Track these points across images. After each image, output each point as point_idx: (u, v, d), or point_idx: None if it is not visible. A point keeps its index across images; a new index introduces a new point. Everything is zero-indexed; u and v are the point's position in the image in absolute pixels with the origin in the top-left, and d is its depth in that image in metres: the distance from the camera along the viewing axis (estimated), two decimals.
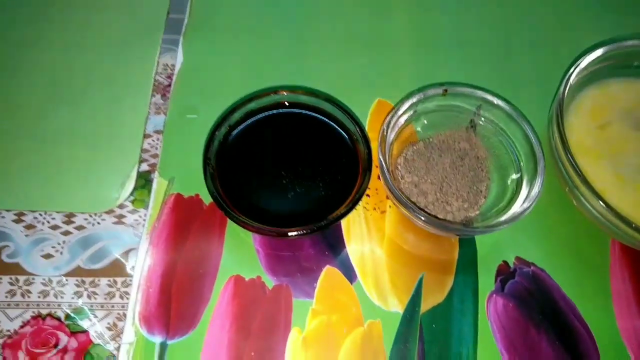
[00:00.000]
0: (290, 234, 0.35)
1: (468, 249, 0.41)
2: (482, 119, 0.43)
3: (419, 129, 0.44)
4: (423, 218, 0.37)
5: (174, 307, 0.38)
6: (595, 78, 0.43)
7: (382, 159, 0.38)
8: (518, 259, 0.41)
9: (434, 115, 0.44)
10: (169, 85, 0.48)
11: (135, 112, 0.46)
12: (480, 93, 0.42)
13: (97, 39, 0.50)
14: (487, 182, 0.42)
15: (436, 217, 0.37)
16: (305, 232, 0.35)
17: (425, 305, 0.39)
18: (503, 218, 0.37)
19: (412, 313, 0.39)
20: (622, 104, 0.42)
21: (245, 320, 0.38)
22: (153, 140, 0.45)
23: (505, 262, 0.41)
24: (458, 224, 0.38)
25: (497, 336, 0.38)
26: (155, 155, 0.45)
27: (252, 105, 0.41)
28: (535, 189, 0.37)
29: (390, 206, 0.42)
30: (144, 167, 0.44)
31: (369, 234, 0.42)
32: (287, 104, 0.42)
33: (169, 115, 0.46)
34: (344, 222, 0.42)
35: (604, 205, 0.34)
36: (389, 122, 0.40)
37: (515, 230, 0.42)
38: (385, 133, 0.39)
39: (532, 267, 0.41)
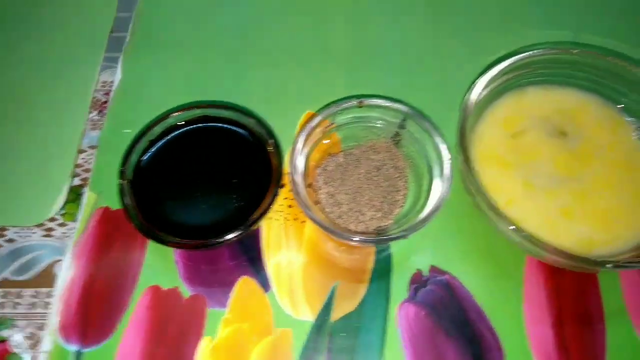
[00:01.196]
0: (208, 244, 0.36)
1: (383, 257, 0.42)
2: (405, 130, 0.43)
3: (343, 140, 0.45)
4: (323, 226, 0.37)
5: (91, 317, 0.40)
6: (511, 86, 0.43)
7: (291, 171, 0.39)
8: (433, 267, 0.42)
9: (357, 126, 0.45)
10: (107, 102, 0.50)
11: (72, 127, 0.48)
12: (397, 105, 0.42)
13: (40, 56, 0.52)
14: (405, 192, 0.43)
15: (330, 226, 0.37)
16: (197, 245, 0.36)
17: (337, 314, 0.40)
18: (405, 227, 0.38)
19: (322, 321, 0.40)
20: (538, 112, 0.43)
21: (159, 329, 0.39)
22: (87, 155, 0.47)
23: (420, 271, 0.41)
24: (353, 233, 0.38)
25: (405, 344, 0.39)
26: (88, 170, 0.46)
27: (172, 120, 0.43)
28: (435, 200, 0.38)
29: None
30: (76, 181, 0.46)
31: (288, 244, 0.43)
32: (208, 117, 0.43)
33: (103, 130, 0.48)
34: (263, 233, 0.43)
35: (502, 220, 0.35)
36: (301, 135, 0.41)
37: (431, 239, 0.43)
38: (296, 145, 0.40)
39: (446, 276, 0.41)
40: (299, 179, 0.39)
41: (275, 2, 0.56)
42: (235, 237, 0.38)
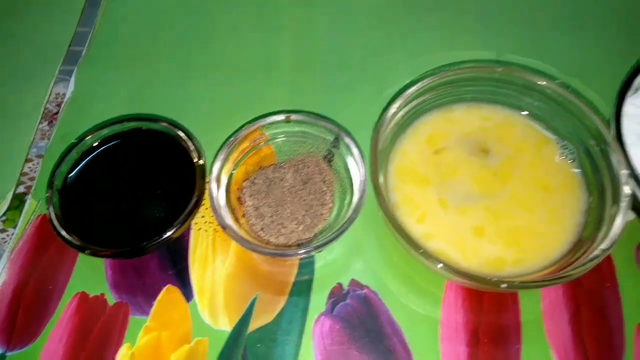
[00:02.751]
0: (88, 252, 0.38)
1: (306, 270, 0.43)
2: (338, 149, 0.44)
3: (278, 153, 0.46)
4: (235, 237, 0.38)
5: (19, 321, 0.41)
6: (438, 104, 0.44)
7: (211, 184, 0.40)
8: (353, 281, 0.42)
9: (292, 141, 0.46)
10: (57, 113, 0.52)
11: (22, 137, 0.50)
12: (322, 122, 0.43)
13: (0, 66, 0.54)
14: (330, 206, 0.43)
15: (240, 237, 0.38)
16: (112, 253, 0.38)
17: (254, 325, 0.41)
18: (319, 242, 0.38)
19: (239, 332, 0.40)
20: (462, 129, 0.43)
21: (82, 335, 0.41)
22: (34, 164, 0.49)
23: (340, 284, 0.42)
24: (264, 244, 0.39)
25: (318, 357, 0.39)
26: (32, 178, 0.48)
27: (106, 132, 0.44)
28: (349, 212, 0.38)
29: None
30: (21, 189, 0.48)
31: (214, 254, 0.44)
32: (141, 130, 0.45)
33: (51, 140, 0.50)
34: (192, 244, 0.44)
35: (401, 238, 0.35)
36: (223, 149, 0.42)
37: (354, 253, 0.43)
38: (217, 159, 0.41)
39: (365, 290, 0.42)
40: (215, 191, 0.40)
41: (225, 20, 0.57)
42: (151, 246, 0.39)
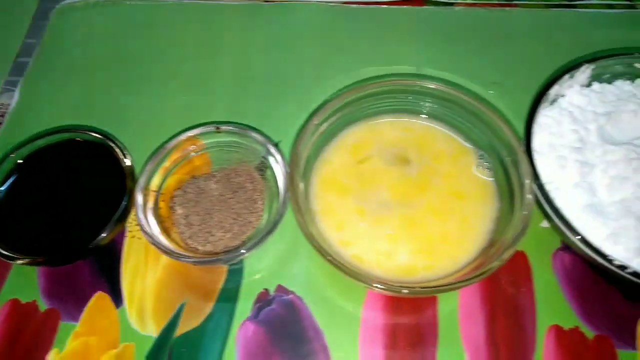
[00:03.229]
0: (19, 261, 0.39)
1: (234, 277, 0.44)
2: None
3: (213, 162, 0.47)
4: (152, 242, 0.39)
5: None
6: (364, 115, 0.45)
7: (137, 193, 0.42)
8: (280, 287, 0.43)
9: (226, 150, 0.47)
10: (1, 124, 0.53)
11: None
12: (251, 133, 0.45)
13: None
14: (260, 214, 0.44)
15: (160, 244, 0.39)
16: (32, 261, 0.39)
17: (180, 330, 0.42)
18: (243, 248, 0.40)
19: (165, 337, 0.41)
20: (386, 139, 0.44)
21: (11, 341, 0.41)
22: None
23: (267, 290, 0.43)
24: (186, 254, 0.40)
25: None
26: None
27: (40, 142, 0.45)
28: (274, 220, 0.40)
29: None
30: None
31: (146, 261, 0.45)
32: (75, 142, 0.46)
33: None
34: (124, 250, 0.45)
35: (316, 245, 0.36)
36: (152, 160, 0.43)
37: (282, 260, 0.44)
38: (145, 169, 0.43)
39: (291, 295, 0.43)
40: (140, 200, 0.41)
41: (167, 34, 0.59)
42: (79, 253, 0.40)
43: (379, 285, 0.34)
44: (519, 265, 0.44)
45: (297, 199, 0.37)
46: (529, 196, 0.37)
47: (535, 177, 0.39)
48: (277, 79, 0.54)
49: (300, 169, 0.40)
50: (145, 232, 0.40)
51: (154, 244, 0.39)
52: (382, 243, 0.40)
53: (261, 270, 0.44)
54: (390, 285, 0.34)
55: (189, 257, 0.40)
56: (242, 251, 0.39)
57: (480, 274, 0.34)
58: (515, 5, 0.60)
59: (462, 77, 0.53)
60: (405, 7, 0.60)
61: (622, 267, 0.35)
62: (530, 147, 0.40)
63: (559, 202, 0.40)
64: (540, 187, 0.38)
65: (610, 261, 0.35)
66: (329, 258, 0.35)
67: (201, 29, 0.59)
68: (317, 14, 0.60)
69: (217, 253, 0.41)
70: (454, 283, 0.34)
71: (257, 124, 0.49)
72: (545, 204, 0.38)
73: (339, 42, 0.57)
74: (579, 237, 0.36)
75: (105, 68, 0.56)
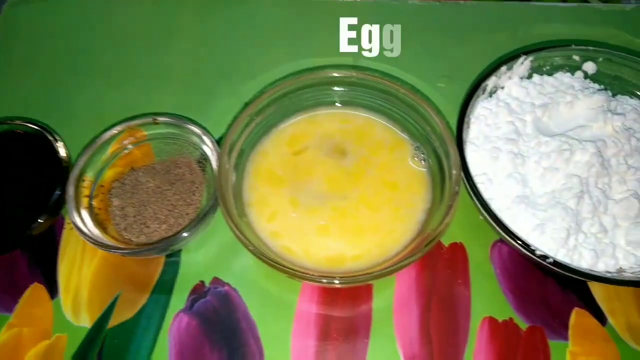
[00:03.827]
0: None
1: (171, 268, 0.44)
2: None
3: (156, 154, 0.47)
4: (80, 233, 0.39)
5: None
6: (302, 107, 0.45)
7: (68, 185, 0.41)
8: (215, 279, 0.43)
9: (167, 142, 0.47)
10: None
11: None
12: (188, 125, 0.44)
13: None
14: (197, 206, 0.44)
15: (89, 237, 0.39)
16: None
17: (114, 321, 0.42)
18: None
19: (98, 328, 0.41)
20: (323, 131, 0.44)
21: None
22: None
23: (202, 282, 0.43)
24: (116, 245, 0.40)
25: (171, 353, 0.40)
26: None
27: None
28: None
29: None
30: None
31: (83, 253, 0.44)
32: (14, 133, 0.46)
33: None
34: (62, 242, 0.45)
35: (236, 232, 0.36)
36: (86, 150, 0.43)
37: (218, 253, 0.44)
38: (79, 159, 0.42)
39: (226, 287, 0.43)
40: (71, 192, 0.41)
41: (118, 28, 0.59)
42: (12, 243, 0.40)
43: (299, 274, 0.34)
44: (456, 257, 0.44)
45: (222, 190, 0.37)
46: (456, 187, 0.37)
47: (465, 168, 0.39)
48: (223, 72, 0.54)
49: (231, 160, 0.40)
50: (73, 223, 0.40)
51: (81, 234, 0.39)
52: (313, 234, 0.40)
53: (198, 262, 0.44)
54: (306, 274, 0.34)
55: (116, 247, 0.40)
56: (169, 242, 0.39)
57: (397, 267, 0.34)
58: None
59: (412, 70, 0.53)
60: (360, 0, 0.60)
61: (544, 257, 0.35)
62: (462, 139, 0.40)
63: (492, 194, 0.40)
64: (469, 178, 0.38)
65: (532, 251, 0.35)
66: (251, 248, 0.35)
67: (150, 22, 0.59)
68: (270, 6, 0.59)
69: (146, 244, 0.41)
70: (363, 275, 0.34)
71: (202, 116, 0.49)
72: (473, 196, 0.38)
73: (292, 34, 0.57)
74: (503, 227, 0.36)
75: (55, 61, 0.56)
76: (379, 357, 0.40)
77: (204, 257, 0.45)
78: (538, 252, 0.35)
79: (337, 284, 0.34)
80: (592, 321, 0.41)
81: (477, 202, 0.38)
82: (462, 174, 0.39)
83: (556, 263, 0.35)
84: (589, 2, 0.59)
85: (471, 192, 0.38)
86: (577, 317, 0.41)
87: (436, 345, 0.40)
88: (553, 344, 0.40)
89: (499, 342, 0.40)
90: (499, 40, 0.53)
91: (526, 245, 0.36)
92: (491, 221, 0.37)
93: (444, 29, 0.57)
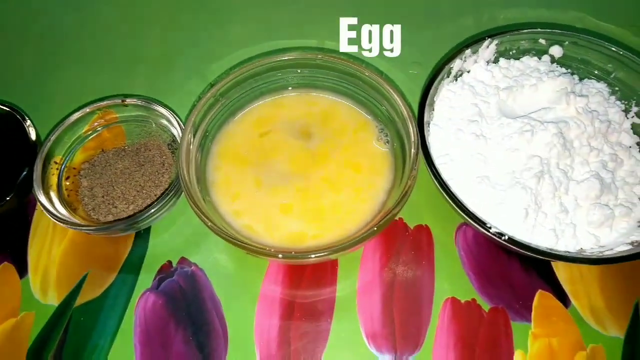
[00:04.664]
0: None
1: (140, 248, 0.44)
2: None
3: (128, 135, 0.48)
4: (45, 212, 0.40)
5: None
6: (270, 90, 0.45)
7: (36, 165, 0.42)
8: (183, 259, 0.44)
9: (139, 124, 0.47)
10: None
11: None
12: (155, 106, 0.45)
13: None
14: (165, 187, 0.45)
15: (54, 215, 0.40)
16: None
17: (81, 300, 0.42)
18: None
19: (65, 306, 0.42)
20: (290, 113, 0.45)
21: None
22: None
23: (170, 262, 0.44)
24: (81, 223, 0.41)
25: (137, 331, 0.41)
26: None
27: None
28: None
29: None
30: None
31: (53, 232, 0.45)
32: None
33: None
34: (33, 222, 0.46)
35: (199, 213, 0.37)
36: (55, 130, 0.44)
37: (187, 233, 0.45)
38: (47, 139, 0.43)
39: (192, 267, 0.43)
40: (38, 171, 0.42)
41: (94, 12, 0.60)
42: None
43: (252, 248, 0.35)
44: (421, 239, 0.44)
45: (183, 169, 0.38)
46: (414, 167, 0.37)
47: (426, 149, 0.39)
48: (193, 55, 0.55)
49: (195, 140, 0.41)
50: (39, 201, 0.40)
51: (46, 212, 0.40)
52: (275, 213, 0.40)
53: (166, 243, 0.45)
54: (260, 249, 0.35)
55: (80, 225, 0.40)
56: (132, 220, 0.40)
57: (347, 245, 0.34)
58: None
59: (383, 56, 0.53)
60: None
61: (500, 235, 0.35)
62: (423, 120, 0.40)
63: (453, 174, 0.40)
64: (428, 158, 0.38)
65: (488, 229, 0.35)
66: (209, 224, 0.35)
67: (124, 7, 0.60)
68: None
69: (110, 222, 0.42)
70: (316, 251, 0.34)
71: (172, 99, 0.49)
72: (432, 175, 0.38)
73: (266, 18, 0.58)
74: (460, 205, 0.36)
75: (27, 45, 0.57)
76: (341, 336, 0.40)
77: (172, 237, 0.45)
78: (493, 230, 0.35)
79: (290, 258, 0.35)
80: (555, 303, 0.41)
81: (435, 181, 0.38)
82: (422, 155, 0.39)
83: (511, 240, 0.35)
84: None
85: (430, 172, 0.38)
86: (541, 299, 0.41)
87: (398, 324, 0.40)
88: (516, 325, 0.40)
89: (461, 323, 0.40)
90: (467, 25, 0.54)
91: (482, 223, 0.36)
92: (448, 199, 0.37)
93: (418, 16, 0.57)
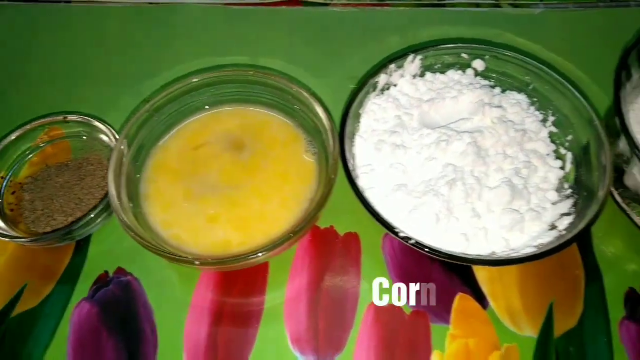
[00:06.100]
0: None
1: (78, 259, 0.46)
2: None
3: (73, 151, 0.49)
4: None
5: None
6: (204, 104, 0.47)
7: None
8: (119, 269, 0.45)
9: (80, 139, 0.49)
10: None
11: None
12: (96, 123, 0.47)
13: None
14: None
15: None
16: None
17: (17, 310, 0.43)
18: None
19: (2, 317, 0.43)
20: (224, 127, 0.47)
21: None
22: None
23: (107, 272, 0.45)
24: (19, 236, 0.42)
25: (70, 339, 0.42)
26: None
27: None
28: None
29: None
30: None
31: None
32: None
33: None
34: None
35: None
36: None
37: (126, 242, 0.46)
38: None
39: (129, 277, 0.45)
40: None
41: (50, 36, 0.62)
42: None
43: (171, 256, 0.36)
44: (350, 246, 0.45)
45: (111, 182, 0.40)
46: (332, 175, 0.39)
47: (344, 159, 0.41)
48: (136, 73, 0.57)
49: (129, 153, 0.43)
50: None
51: None
52: (202, 222, 0.42)
53: (105, 253, 0.46)
54: (179, 256, 0.36)
55: (16, 237, 0.42)
56: (65, 230, 0.41)
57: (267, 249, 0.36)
58: (388, 5, 0.62)
59: (326, 72, 0.55)
60: (284, 7, 0.63)
61: (407, 239, 0.37)
62: (344, 131, 0.42)
63: (374, 183, 0.42)
64: (346, 167, 0.40)
65: (396, 233, 0.37)
66: (131, 234, 0.37)
67: (74, 29, 0.62)
68: (198, 15, 0.62)
69: (45, 233, 0.43)
70: (232, 257, 0.36)
71: (117, 117, 0.51)
72: (348, 183, 0.40)
73: (220, 42, 0.60)
74: (371, 210, 0.38)
75: None
76: (267, 340, 0.41)
77: (111, 248, 0.46)
78: (401, 234, 0.37)
79: (201, 264, 0.36)
80: (474, 305, 0.42)
81: (352, 188, 0.39)
82: (341, 164, 0.41)
83: (418, 244, 0.37)
84: (501, 7, 0.61)
85: (348, 181, 0.40)
86: (460, 301, 0.43)
87: (322, 328, 0.42)
88: (435, 327, 0.42)
89: (382, 326, 0.42)
90: (392, 43, 0.56)
91: (391, 228, 0.37)
92: (362, 206, 0.39)
93: (360, 34, 0.60)
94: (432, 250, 0.36)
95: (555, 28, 0.59)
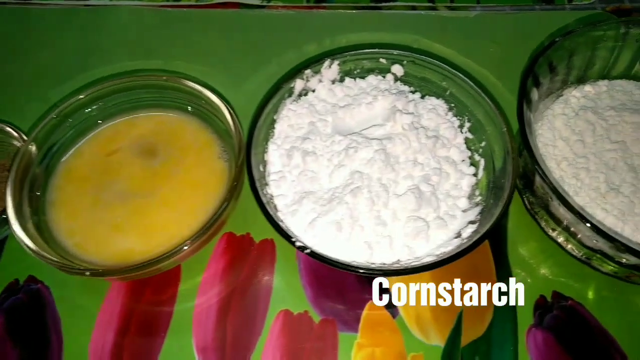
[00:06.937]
0: None
1: None
2: None
3: None
4: None
5: None
6: (123, 109, 0.47)
7: None
8: (30, 277, 0.44)
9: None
10: None
11: None
12: (5, 126, 0.46)
13: None
14: None
15: None
16: None
17: None
18: None
19: None
20: (138, 132, 0.46)
21: None
22: None
23: (17, 280, 0.44)
24: None
25: None
26: None
27: None
28: None
29: None
30: None
31: None
32: None
33: None
34: None
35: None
36: None
37: None
38: None
39: (39, 285, 0.44)
40: None
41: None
42: None
43: (61, 266, 0.36)
44: (265, 253, 0.45)
45: (12, 188, 0.39)
46: (235, 182, 0.39)
47: (249, 165, 0.40)
48: (46, 79, 0.56)
49: (35, 159, 0.42)
50: None
51: None
52: (107, 231, 0.41)
53: (17, 261, 0.45)
54: (68, 266, 0.36)
55: None
56: None
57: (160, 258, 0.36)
58: (324, 8, 0.62)
59: (253, 76, 0.55)
60: (219, 10, 0.62)
61: (303, 248, 0.37)
62: (251, 139, 0.41)
63: (284, 190, 0.42)
64: (250, 175, 0.40)
65: (293, 242, 0.37)
66: (26, 244, 0.36)
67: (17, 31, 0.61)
68: (131, 17, 0.62)
69: None
70: (132, 267, 0.35)
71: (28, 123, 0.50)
72: (252, 191, 0.39)
73: (151, 44, 0.59)
74: (270, 218, 0.37)
75: None
76: (172, 350, 0.41)
77: (23, 256, 0.45)
78: (298, 244, 0.37)
79: (92, 274, 0.36)
80: (384, 313, 0.42)
81: (253, 195, 0.39)
82: (247, 171, 0.40)
83: (314, 254, 0.36)
84: (437, 10, 0.61)
85: (250, 187, 0.40)
86: (370, 310, 0.42)
87: (230, 337, 0.41)
88: (343, 335, 0.41)
89: (290, 334, 0.41)
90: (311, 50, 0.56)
91: (288, 237, 0.37)
92: (263, 214, 0.38)
93: (298, 36, 0.59)
94: (326, 259, 0.36)
95: (489, 30, 0.59)
